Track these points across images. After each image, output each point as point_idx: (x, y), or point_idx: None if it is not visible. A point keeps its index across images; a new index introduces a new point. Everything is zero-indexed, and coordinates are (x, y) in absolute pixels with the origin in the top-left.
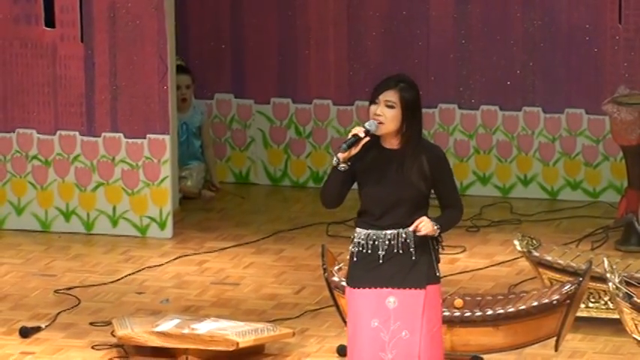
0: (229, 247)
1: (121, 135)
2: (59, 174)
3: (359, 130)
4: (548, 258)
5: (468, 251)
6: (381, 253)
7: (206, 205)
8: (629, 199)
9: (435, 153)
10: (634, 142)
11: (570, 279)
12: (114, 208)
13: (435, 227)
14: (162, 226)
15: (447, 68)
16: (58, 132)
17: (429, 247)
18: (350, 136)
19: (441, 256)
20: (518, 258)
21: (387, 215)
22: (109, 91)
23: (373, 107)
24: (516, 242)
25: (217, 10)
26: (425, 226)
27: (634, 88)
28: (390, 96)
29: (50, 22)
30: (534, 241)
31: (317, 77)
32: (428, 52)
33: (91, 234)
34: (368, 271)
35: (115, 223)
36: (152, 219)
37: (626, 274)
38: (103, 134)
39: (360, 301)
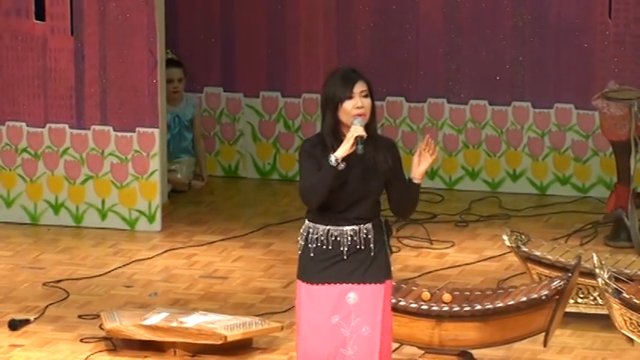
0: (218, 241)
1: (111, 128)
2: (48, 167)
3: (360, 131)
4: (537, 253)
5: (457, 246)
6: (343, 249)
7: (195, 199)
8: (619, 194)
9: (392, 143)
10: (623, 138)
11: (559, 274)
12: (103, 202)
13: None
14: (151, 219)
15: (436, 63)
16: (48, 125)
17: (385, 242)
18: (353, 138)
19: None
20: (507, 253)
21: (351, 209)
22: (99, 84)
23: (350, 102)
24: (505, 237)
25: (207, 3)
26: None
27: (624, 84)
28: (362, 86)
29: (40, 15)
30: (523, 237)
31: (306, 71)
32: (417, 47)
33: (80, 227)
34: (328, 266)
35: (104, 216)
36: (141, 212)
37: (615, 270)
38: (93, 127)
39: (320, 297)
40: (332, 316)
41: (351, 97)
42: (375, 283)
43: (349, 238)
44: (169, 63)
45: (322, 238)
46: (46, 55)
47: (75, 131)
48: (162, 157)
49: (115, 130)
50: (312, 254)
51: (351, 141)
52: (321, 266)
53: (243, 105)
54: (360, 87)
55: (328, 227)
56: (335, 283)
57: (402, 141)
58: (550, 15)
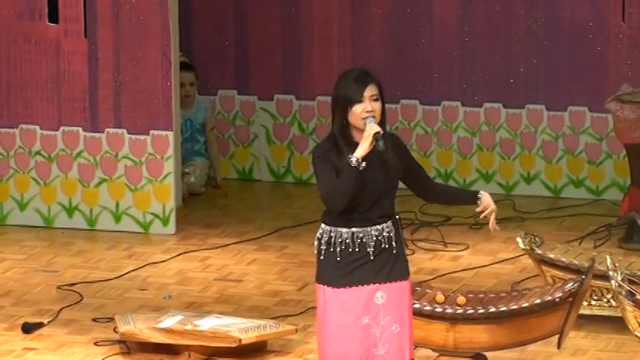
0: (232, 244)
1: (125, 131)
2: (62, 170)
3: (376, 127)
4: (551, 255)
5: (471, 248)
6: (370, 250)
7: (209, 202)
8: (632, 196)
9: (395, 139)
10: (637, 140)
11: (573, 277)
12: (117, 204)
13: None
14: (165, 222)
15: (450, 65)
16: (62, 128)
17: (402, 239)
18: (372, 136)
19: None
20: (521, 255)
21: (374, 209)
22: (113, 87)
23: (359, 106)
24: (519, 240)
25: (221, 6)
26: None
27: (637, 86)
28: (373, 90)
29: (54, 17)
30: (537, 239)
31: (321, 74)
32: (431, 50)
33: (94, 230)
34: (355, 269)
35: (117, 219)
36: (155, 215)
37: (628, 272)
38: (107, 130)
39: (348, 299)
40: (362, 317)
41: (361, 101)
42: (401, 281)
43: (374, 238)
44: (181, 67)
45: (348, 241)
46: (59, 57)
47: (89, 134)
48: (176, 159)
49: (129, 133)
50: (338, 258)
51: (370, 139)
52: (347, 269)
53: (257, 108)
54: (370, 91)
55: (352, 230)
56: (362, 285)
57: (417, 143)
58: (564, 18)
